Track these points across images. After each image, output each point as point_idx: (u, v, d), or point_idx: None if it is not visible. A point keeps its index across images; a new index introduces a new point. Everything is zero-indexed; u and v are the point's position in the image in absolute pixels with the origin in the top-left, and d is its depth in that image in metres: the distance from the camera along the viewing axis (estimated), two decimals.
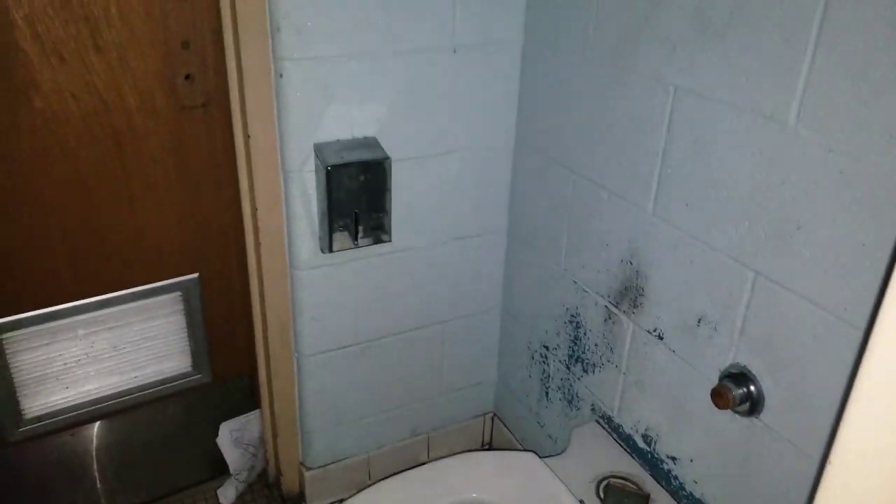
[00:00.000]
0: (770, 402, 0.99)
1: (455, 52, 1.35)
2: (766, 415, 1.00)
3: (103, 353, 1.45)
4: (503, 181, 1.54)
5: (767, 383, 0.99)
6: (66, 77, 1.21)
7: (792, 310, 0.94)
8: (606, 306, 1.31)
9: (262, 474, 1.74)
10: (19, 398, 1.40)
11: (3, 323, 1.33)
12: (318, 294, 1.44)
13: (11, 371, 1.37)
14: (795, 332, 0.94)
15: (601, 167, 1.25)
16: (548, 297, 1.49)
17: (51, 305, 1.36)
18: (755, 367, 1.01)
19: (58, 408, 1.44)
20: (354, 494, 1.19)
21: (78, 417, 1.46)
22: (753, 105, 0.94)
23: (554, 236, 1.43)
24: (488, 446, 1.84)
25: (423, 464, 1.26)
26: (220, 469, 1.68)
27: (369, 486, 1.22)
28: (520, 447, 1.72)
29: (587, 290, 1.36)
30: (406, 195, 1.44)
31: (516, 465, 1.26)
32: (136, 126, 1.30)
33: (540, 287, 1.51)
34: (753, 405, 1.01)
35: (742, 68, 0.95)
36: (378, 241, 1.38)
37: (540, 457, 1.26)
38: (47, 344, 1.39)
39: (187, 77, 1.31)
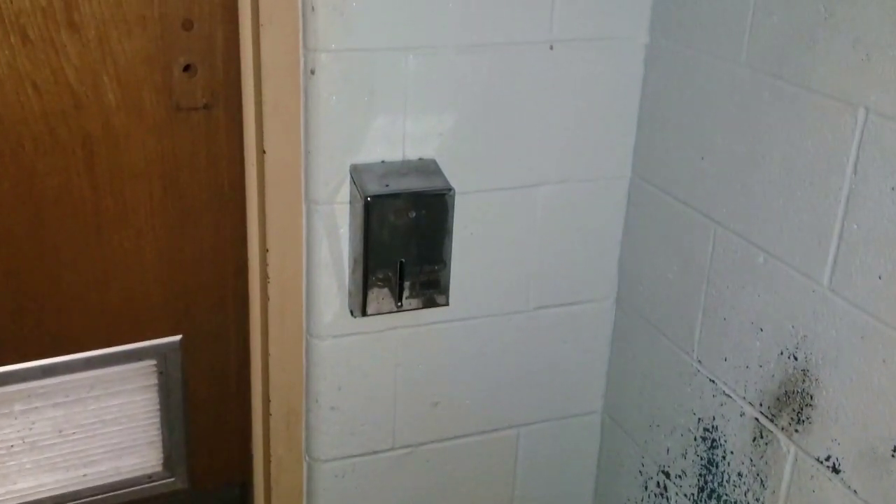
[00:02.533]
0: None
1: (552, 48, 1.37)
2: None
3: (45, 439, 1.47)
4: (612, 229, 1.54)
5: None
6: (27, 61, 1.25)
7: None
8: (757, 419, 1.29)
9: None
10: None
11: None
12: (343, 373, 1.45)
13: None
14: None
15: (756, 217, 1.24)
16: (671, 399, 1.48)
17: None
18: None
19: None
20: None
21: None
22: None
23: (684, 312, 1.42)
24: None
25: None
26: None
27: None
28: None
29: (729, 393, 1.34)
30: (473, 242, 1.45)
31: None
32: (115, 130, 1.33)
33: (661, 385, 1.50)
34: None
35: None
36: (431, 303, 1.39)
37: None
38: None
39: (187, 68, 1.34)
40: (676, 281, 1.43)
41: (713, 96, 1.30)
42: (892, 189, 1.03)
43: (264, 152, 1.32)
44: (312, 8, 1.23)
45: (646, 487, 1.58)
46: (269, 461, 1.51)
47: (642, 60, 1.43)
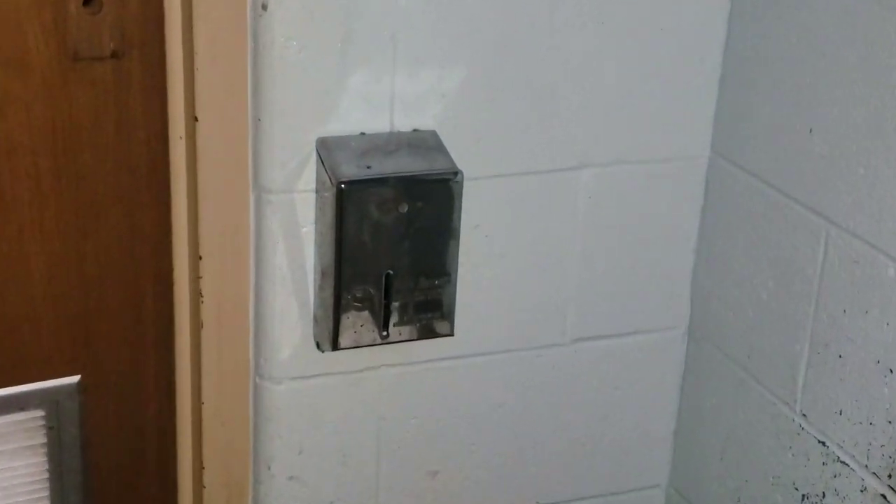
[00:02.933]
0: None
1: None
2: None
3: None
4: (683, 231, 1.56)
5: None
6: None
7: None
8: (884, 496, 1.28)
9: None
10: None
11: None
12: (306, 431, 1.46)
13: None
14: None
15: (887, 214, 1.23)
16: (764, 468, 1.48)
17: None
18: None
19: None
20: None
21: None
22: None
23: (783, 347, 1.43)
24: None
25: None
26: None
27: None
28: None
29: (846, 459, 1.33)
30: (487, 247, 1.46)
31: None
32: None
33: (749, 448, 1.51)
34: None
35: None
36: (430, 333, 1.39)
37: None
38: None
39: (88, 2, 1.33)
40: (772, 303, 1.43)
41: (825, 31, 1.30)
42: None
43: (196, 120, 1.34)
44: None
45: None
46: None
47: None
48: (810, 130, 1.33)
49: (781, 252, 1.41)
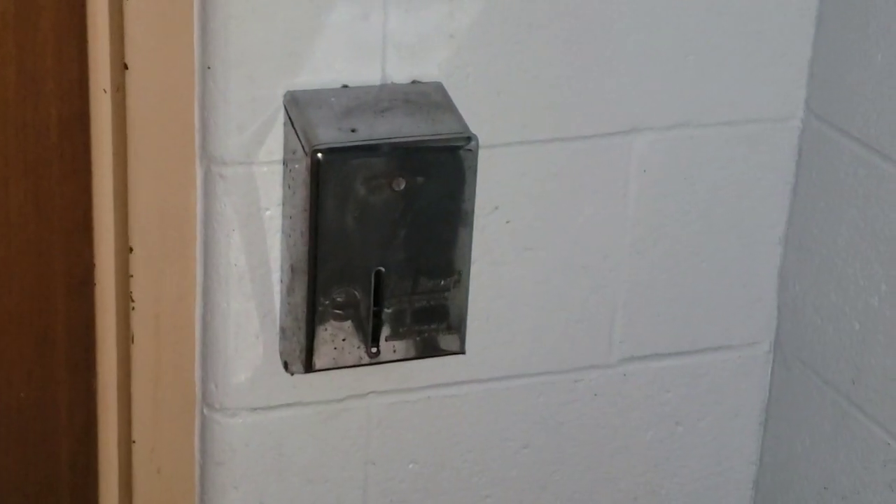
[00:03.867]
0: None
1: None
2: None
3: None
4: (769, 216, 1.54)
5: None
6: None
7: None
8: None
9: None
10: None
11: None
12: (269, 480, 1.43)
13: None
14: None
15: None
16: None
17: None
18: None
19: None
20: None
21: None
22: None
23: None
24: None
25: None
26: None
27: None
28: None
29: None
30: (509, 237, 1.43)
31: None
32: None
33: (855, 495, 1.50)
34: None
35: None
36: (433, 349, 1.35)
37: None
38: None
39: None
40: (886, 310, 1.39)
41: None
42: None
43: (126, 67, 1.30)
44: None
45: None
46: None
47: None
48: None
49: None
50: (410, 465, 1.48)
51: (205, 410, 1.41)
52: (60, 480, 1.53)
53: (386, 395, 1.44)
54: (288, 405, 1.41)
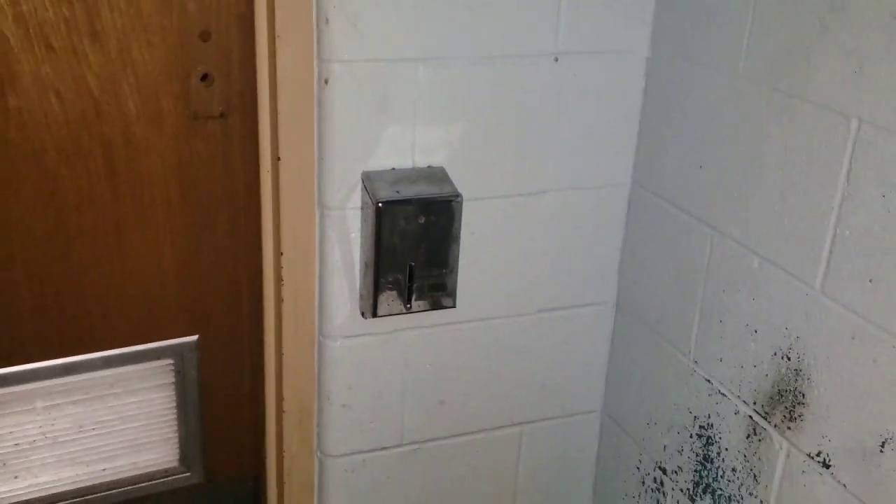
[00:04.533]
0: None
1: (557, 60, 1.38)
2: None
3: (65, 435, 1.48)
4: (613, 235, 1.55)
5: None
6: (51, 70, 1.26)
7: None
8: (751, 416, 1.29)
9: None
10: None
11: None
12: (354, 373, 1.46)
13: None
14: None
15: (752, 224, 1.26)
16: (668, 399, 1.48)
17: (4, 365, 1.39)
18: None
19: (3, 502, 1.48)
20: None
21: None
22: None
23: (681, 315, 1.43)
24: None
25: None
26: None
27: None
28: None
29: (725, 392, 1.35)
30: (479, 247, 1.46)
31: None
32: (135, 137, 1.34)
33: (658, 385, 1.51)
34: None
35: None
36: (438, 306, 1.40)
37: None
38: None
39: (204, 77, 1.35)
40: (674, 285, 1.44)
41: (711, 107, 1.31)
42: (883, 196, 1.04)
43: (279, 159, 1.33)
44: (326, 20, 1.24)
45: (643, 483, 1.58)
46: (282, 456, 1.52)
47: (643, 73, 1.44)
48: (700, 166, 1.34)
49: (680, 250, 1.41)
50: (427, 365, 1.50)
51: (320, 338, 1.44)
52: (245, 374, 1.56)
53: (415, 329, 1.47)
54: (363, 335, 1.44)
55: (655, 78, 1.43)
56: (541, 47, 1.36)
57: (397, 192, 1.31)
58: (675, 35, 1.37)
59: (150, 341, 1.49)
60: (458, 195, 1.34)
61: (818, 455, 1.18)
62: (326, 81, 1.28)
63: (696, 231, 1.37)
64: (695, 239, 1.38)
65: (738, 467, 1.33)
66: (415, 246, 1.34)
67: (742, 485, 1.33)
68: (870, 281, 1.07)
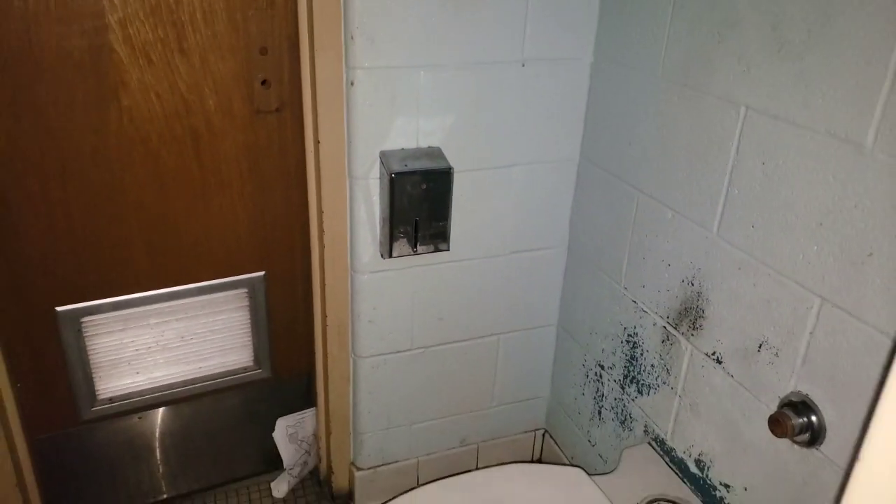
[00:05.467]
0: (832, 433, 0.94)
1: (524, 66, 1.34)
2: (826, 446, 0.95)
3: (172, 343, 1.49)
4: (566, 196, 1.51)
5: (830, 414, 0.93)
6: (152, 77, 1.25)
7: (859, 339, 0.88)
8: (665, 327, 1.27)
9: (314, 472, 1.75)
10: (94, 379, 1.45)
11: (84, 307, 1.38)
12: (376, 298, 1.44)
13: (88, 353, 1.42)
14: (863, 363, 0.88)
15: (667, 186, 1.22)
16: (606, 315, 1.46)
17: (126, 293, 1.40)
18: (817, 397, 0.95)
19: (128, 391, 1.49)
20: (395, 497, 1.18)
21: (146, 402, 1.50)
22: (828, 126, 0.90)
23: (615, 254, 1.40)
24: (538, 462, 1.80)
25: (468, 471, 1.24)
26: (274, 463, 1.70)
27: (411, 489, 1.21)
28: (569, 465, 1.68)
29: (646, 310, 1.32)
30: (467, 206, 1.43)
31: (562, 479, 1.22)
32: (214, 127, 1.33)
33: (598, 305, 1.49)
34: (814, 436, 0.95)
35: (818, 89, 0.90)
36: (437, 249, 1.38)
37: (588, 474, 1.23)
38: (121, 330, 1.43)
39: (264, 82, 1.33)
40: (610, 232, 1.41)
41: (638, 100, 1.27)
42: (763, 164, 1.01)
43: (319, 142, 1.31)
44: (352, 37, 1.21)
45: (587, 375, 1.57)
46: (327, 358, 1.51)
47: (588, 75, 1.40)
48: (629, 144, 1.31)
49: (614, 206, 1.38)
50: (430, 293, 1.47)
51: (352, 273, 1.41)
52: (298, 299, 1.54)
53: (420, 266, 1.44)
54: (383, 270, 1.41)
55: (597, 78, 1.39)
56: (511, 56, 1.32)
57: (405, 165, 1.28)
58: (613, 46, 1.33)
59: (230, 276, 1.48)
60: (450, 168, 1.30)
61: (713, 354, 1.16)
62: (352, 83, 1.24)
63: (626, 192, 1.34)
64: (625, 198, 1.34)
65: (656, 363, 1.31)
66: (419, 205, 1.31)
67: (658, 376, 1.31)
68: (752, 226, 1.04)
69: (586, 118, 1.44)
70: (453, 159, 1.35)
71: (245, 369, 1.58)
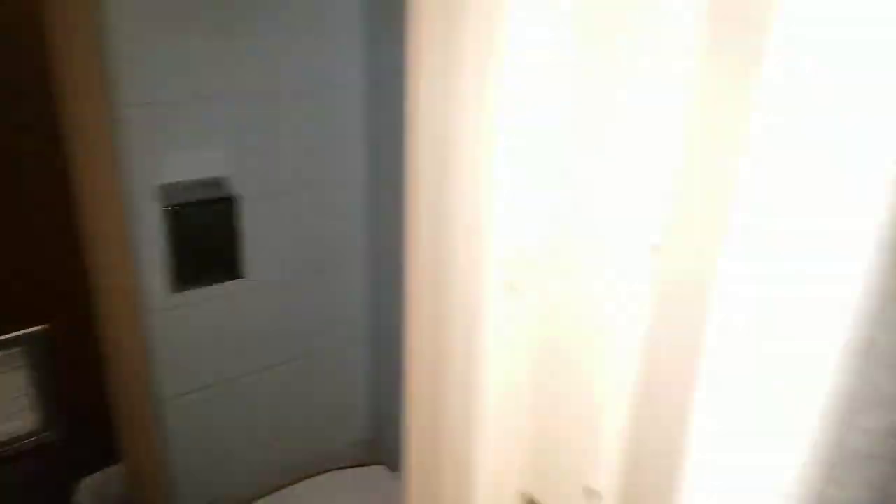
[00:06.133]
0: None
1: (301, 92, 1.36)
2: None
3: None
4: (357, 214, 1.53)
5: None
6: None
7: None
8: None
9: None
10: None
11: None
12: (173, 336, 1.39)
13: None
14: None
15: None
16: None
17: None
18: None
19: None
20: None
21: None
22: None
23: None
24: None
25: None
26: None
27: None
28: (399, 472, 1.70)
29: None
30: (259, 231, 1.41)
31: (364, 480, 1.26)
32: None
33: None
34: None
35: None
36: (231, 277, 1.36)
37: (391, 470, 1.27)
38: None
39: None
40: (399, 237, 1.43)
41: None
42: None
43: (92, 182, 1.22)
44: (117, 75, 1.17)
45: (401, 382, 1.59)
46: (127, 404, 1.42)
47: (361, 100, 1.44)
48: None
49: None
50: (231, 324, 1.42)
51: (143, 311, 1.33)
52: (89, 355, 1.40)
53: (215, 298, 1.39)
54: (175, 307, 1.35)
55: (372, 102, 1.43)
56: (287, 84, 1.35)
57: (185, 197, 1.26)
58: (381, 72, 1.37)
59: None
60: (232, 195, 1.30)
61: None
62: (121, 121, 1.20)
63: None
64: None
65: None
66: (206, 236, 1.29)
67: None
68: None
69: (368, 139, 1.47)
70: (242, 187, 1.34)
71: (31, 434, 1.44)
